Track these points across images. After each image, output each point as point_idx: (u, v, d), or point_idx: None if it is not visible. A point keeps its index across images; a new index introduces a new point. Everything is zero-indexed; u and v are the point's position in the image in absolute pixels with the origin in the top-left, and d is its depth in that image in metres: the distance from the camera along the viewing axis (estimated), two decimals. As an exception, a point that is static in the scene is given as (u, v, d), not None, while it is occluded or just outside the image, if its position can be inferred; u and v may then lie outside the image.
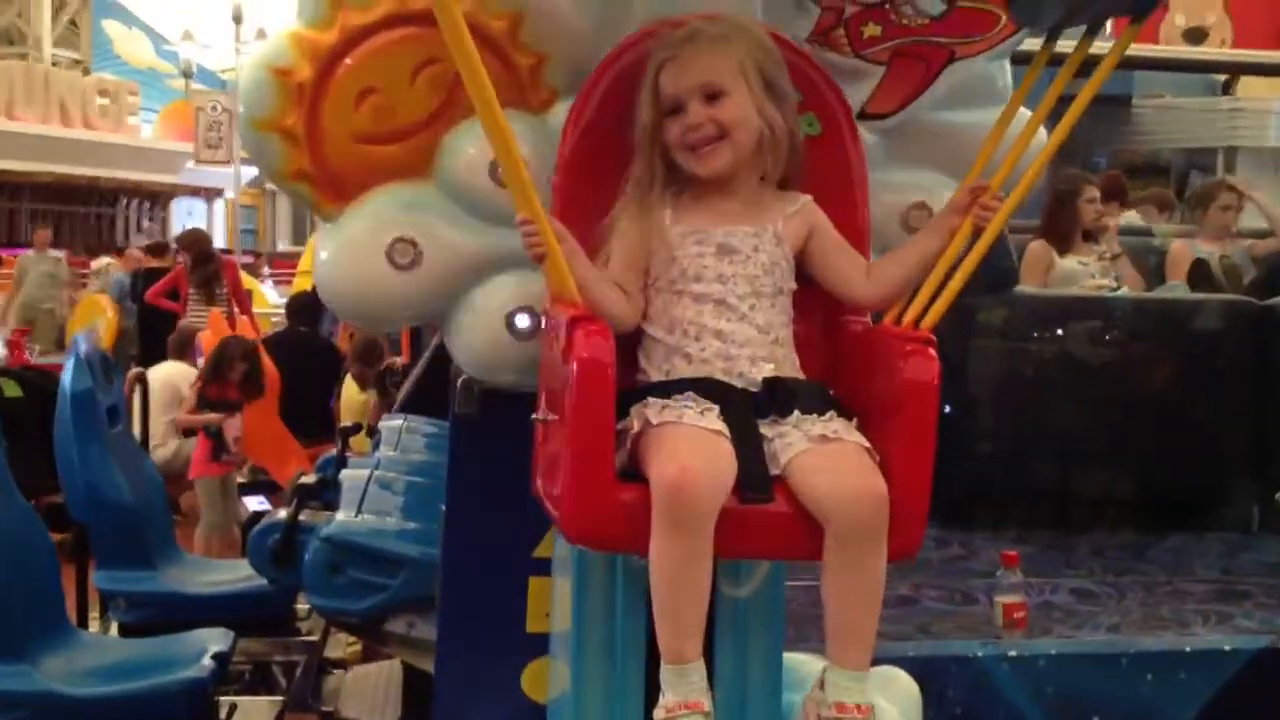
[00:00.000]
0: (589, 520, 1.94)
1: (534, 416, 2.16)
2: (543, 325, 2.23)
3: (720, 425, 1.95)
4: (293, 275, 14.50)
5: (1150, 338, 4.64)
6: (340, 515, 3.78)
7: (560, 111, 2.29)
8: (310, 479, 4.41)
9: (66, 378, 4.61)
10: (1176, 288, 5.79)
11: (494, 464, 2.55)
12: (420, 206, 2.27)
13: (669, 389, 2.01)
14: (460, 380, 2.58)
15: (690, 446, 1.90)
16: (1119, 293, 5.57)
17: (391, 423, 4.40)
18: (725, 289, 2.08)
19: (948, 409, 4.28)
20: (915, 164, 2.50)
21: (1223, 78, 10.93)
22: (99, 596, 5.03)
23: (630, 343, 2.11)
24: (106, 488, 4.59)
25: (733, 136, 2.10)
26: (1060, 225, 5.88)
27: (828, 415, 2.01)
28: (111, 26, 26.25)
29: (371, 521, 3.71)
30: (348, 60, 2.23)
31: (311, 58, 2.21)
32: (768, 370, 2.06)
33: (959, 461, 4.21)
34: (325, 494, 4.35)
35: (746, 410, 2.00)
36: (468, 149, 2.24)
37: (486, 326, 2.30)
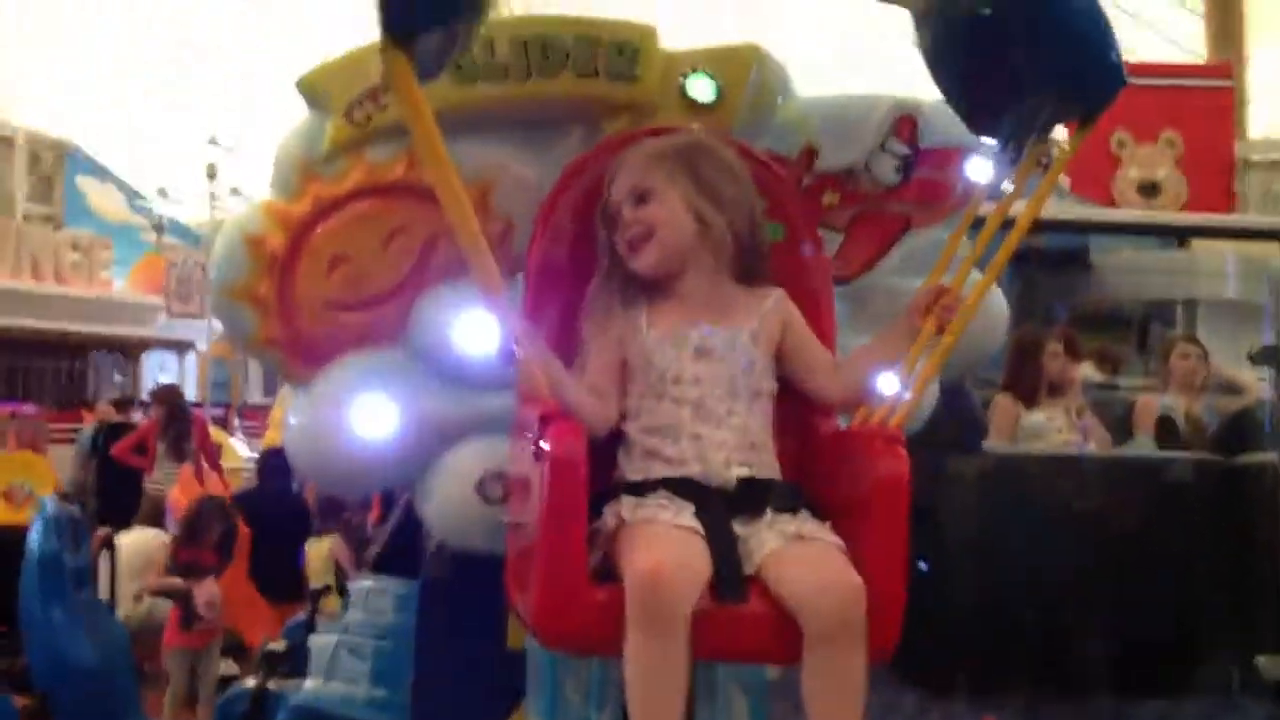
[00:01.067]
0: (562, 621, 1.91)
1: (505, 520, 2.14)
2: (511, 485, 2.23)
3: (695, 524, 1.94)
4: (264, 428, 14.44)
5: (1120, 495, 4.64)
6: (309, 683, 3.71)
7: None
8: (278, 645, 4.35)
9: (34, 539, 4.57)
10: (1142, 443, 5.83)
11: (464, 629, 2.53)
12: (390, 373, 2.29)
13: (644, 488, 2.01)
14: (433, 544, 2.57)
15: (665, 544, 1.90)
16: (1087, 449, 5.60)
17: (361, 584, 4.36)
18: (703, 391, 2.10)
19: (922, 565, 4.27)
20: (877, 328, 2.54)
21: (1178, 230, 11.16)
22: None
23: (607, 444, 2.11)
24: (71, 654, 4.51)
25: (659, 235, 2.14)
26: (1025, 379, 5.93)
27: (801, 514, 2.02)
28: (85, 182, 26.51)
29: (340, 689, 3.65)
30: (319, 230, 2.28)
31: (284, 227, 2.26)
32: (744, 471, 2.07)
33: (935, 622, 4.18)
34: (294, 660, 4.28)
35: (721, 509, 1.99)
36: (437, 316, 2.27)
37: (457, 491, 2.31)
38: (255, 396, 21.14)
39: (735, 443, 2.09)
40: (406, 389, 2.29)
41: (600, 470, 2.02)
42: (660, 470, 2.06)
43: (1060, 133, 2.22)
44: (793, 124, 2.45)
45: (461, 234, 1.92)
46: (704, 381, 2.11)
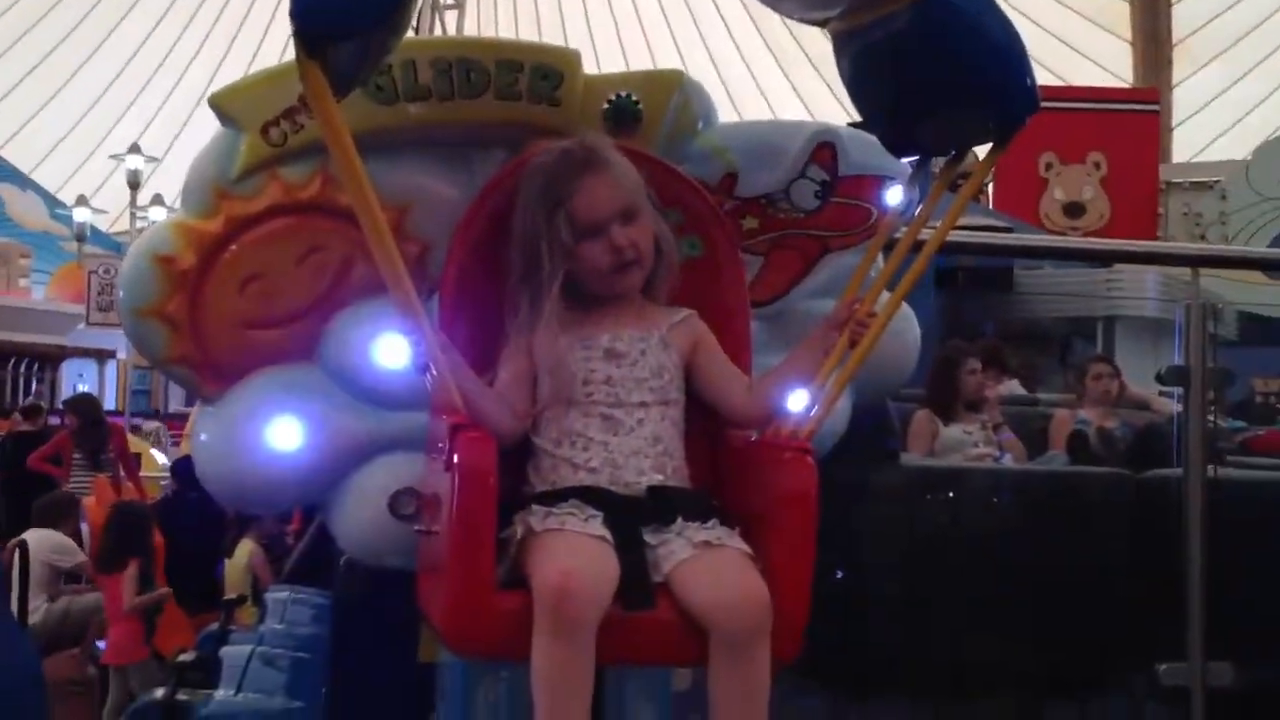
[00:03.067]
0: (470, 627, 1.93)
1: (415, 528, 2.15)
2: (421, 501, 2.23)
3: (603, 531, 1.97)
4: (184, 436, 14.26)
5: (1030, 508, 4.72)
6: (220, 694, 3.67)
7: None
8: (189, 656, 4.28)
9: (-60, 552, 4.49)
10: (1056, 458, 5.93)
11: (376, 644, 2.53)
12: (302, 390, 2.29)
13: (554, 497, 2.03)
14: (343, 560, 2.56)
15: (573, 552, 1.92)
16: (1000, 462, 5.69)
17: (278, 594, 4.31)
18: (613, 393, 2.12)
19: (839, 574, 4.31)
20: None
21: (1099, 249, 11.35)
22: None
23: (518, 458, 2.13)
24: (-23, 667, 4.42)
25: (645, 258, 2.18)
26: (943, 394, 6.03)
27: (710, 522, 2.04)
28: (5, 190, 26.08)
29: (253, 701, 3.61)
30: (233, 247, 2.27)
31: (196, 246, 2.25)
32: (654, 479, 2.09)
33: (850, 629, 4.22)
34: (207, 670, 4.23)
35: (630, 517, 2.02)
36: (350, 334, 2.27)
37: (369, 509, 2.30)
38: (176, 405, 20.87)
39: (646, 451, 2.11)
40: (317, 406, 2.29)
41: (509, 483, 2.03)
42: (569, 478, 2.08)
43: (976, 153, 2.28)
44: (714, 149, 2.48)
45: (374, 242, 1.92)
46: (614, 383, 2.13)
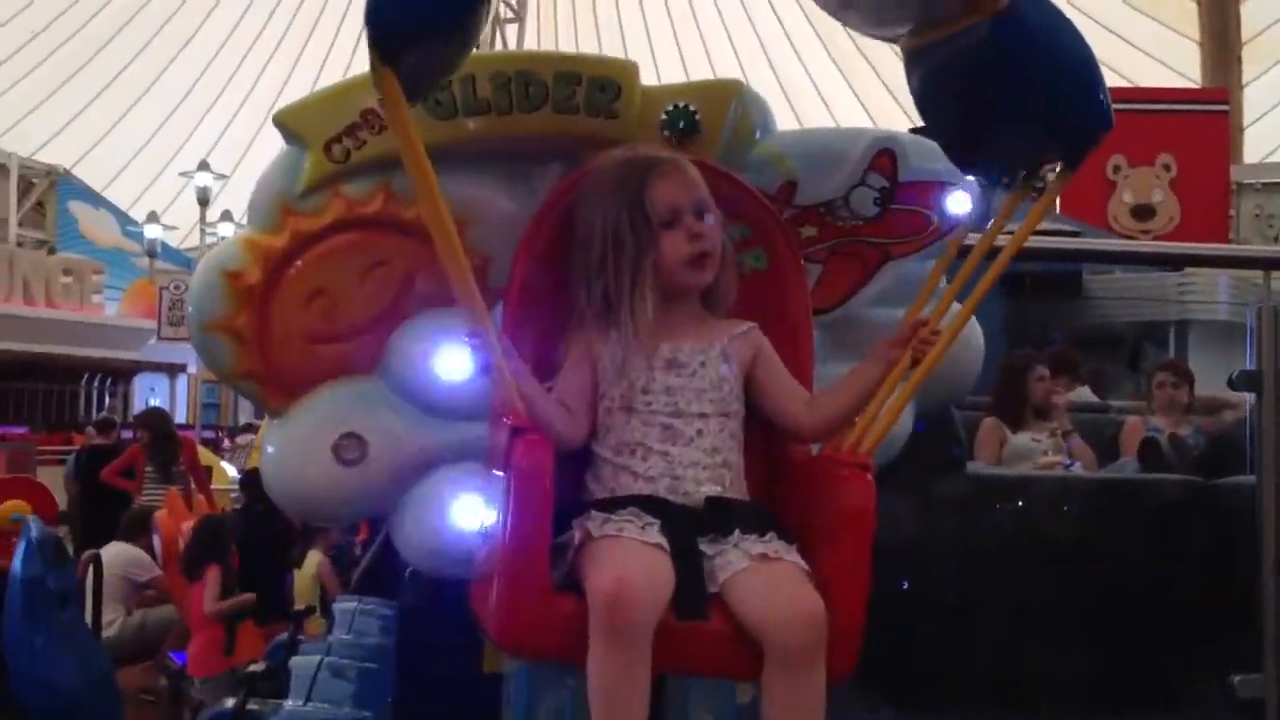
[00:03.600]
0: (521, 628, 1.95)
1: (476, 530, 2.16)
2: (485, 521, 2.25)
3: (660, 540, 1.96)
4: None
5: (1101, 516, 4.67)
6: (289, 704, 3.71)
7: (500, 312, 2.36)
8: (259, 666, 4.34)
9: (17, 562, 4.57)
10: (1127, 465, 5.85)
11: (441, 654, 2.55)
12: (366, 402, 2.32)
13: (613, 505, 2.03)
14: (407, 571, 2.59)
15: (628, 559, 1.92)
16: (1071, 470, 5.62)
17: (345, 605, 4.35)
18: (673, 404, 2.12)
19: (904, 584, 4.28)
20: (854, 358, 2.55)
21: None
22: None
23: (578, 466, 2.14)
24: (55, 676, 4.51)
25: (717, 253, 2.18)
26: (1010, 402, 5.98)
27: (768, 535, 2.04)
28: (78, 208, 26.57)
29: (321, 710, 3.65)
30: (298, 263, 2.30)
31: (262, 261, 2.28)
32: (713, 490, 2.09)
33: (911, 639, 4.19)
34: (277, 680, 4.27)
35: (687, 527, 2.02)
36: (414, 347, 2.29)
37: (432, 520, 2.32)
38: (246, 418, 21.14)
39: (705, 462, 2.11)
40: (383, 418, 2.31)
41: (569, 490, 2.05)
42: (629, 486, 2.08)
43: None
44: (773, 157, 2.47)
45: (441, 244, 1.95)
46: (674, 393, 2.13)
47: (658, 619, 1.89)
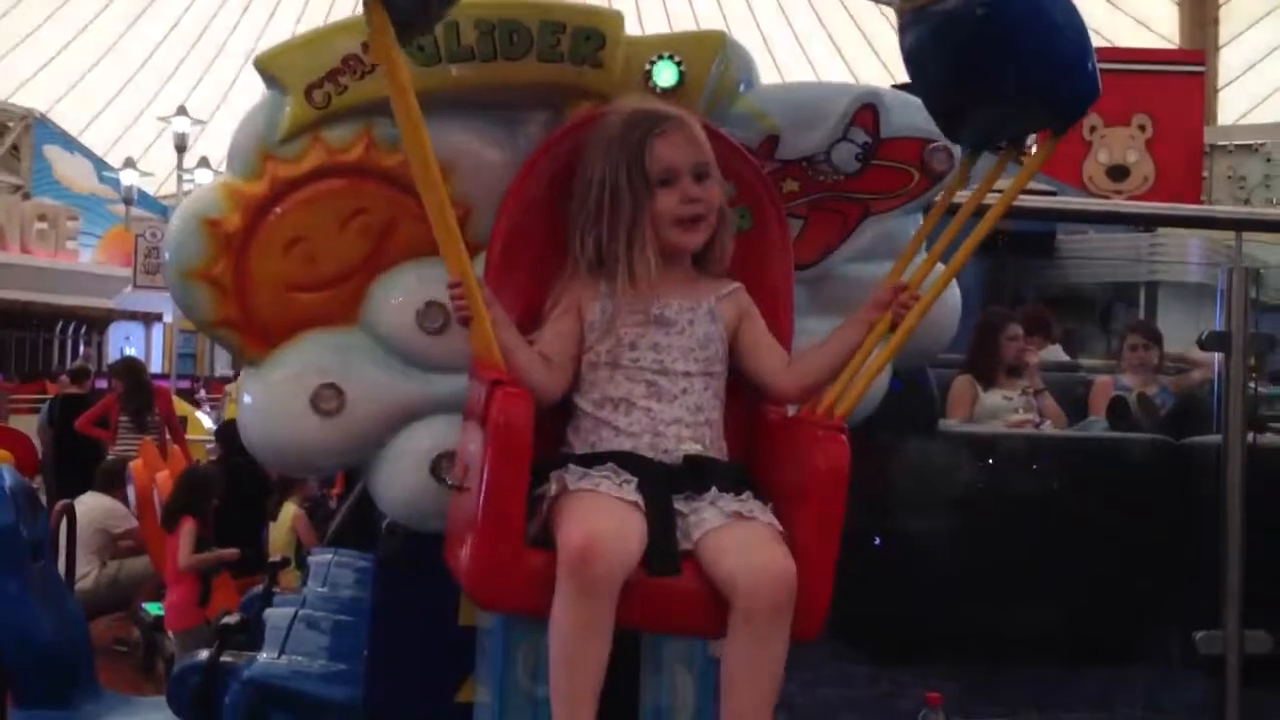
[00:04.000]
0: (496, 582, 1.95)
1: (448, 482, 2.17)
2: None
3: (636, 496, 1.98)
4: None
5: (1070, 474, 4.73)
6: (263, 656, 3.71)
7: (482, 262, 2.35)
8: (233, 618, 4.34)
9: (-11, 511, 4.53)
10: (1096, 423, 5.91)
11: (417, 607, 2.55)
12: (345, 353, 2.30)
13: (591, 460, 2.05)
14: (385, 523, 2.59)
15: (600, 513, 1.93)
16: (1041, 429, 5.68)
17: (321, 557, 4.35)
18: (660, 360, 2.13)
19: (876, 541, 4.32)
20: (833, 314, 2.56)
21: (1144, 212, 11.23)
22: (16, 736, 4.89)
23: (558, 419, 2.15)
24: (27, 626, 4.48)
25: (711, 217, 2.19)
26: (984, 360, 6.02)
27: (744, 495, 2.05)
28: (53, 152, 26.30)
29: (295, 663, 3.65)
30: (277, 210, 2.27)
31: (241, 208, 2.26)
32: (693, 449, 2.11)
33: (889, 595, 4.24)
34: (251, 633, 4.28)
35: (664, 484, 2.03)
36: (394, 296, 2.29)
37: (411, 473, 2.33)
38: (222, 369, 21.07)
39: (687, 419, 2.12)
40: (362, 369, 2.31)
41: (548, 443, 2.05)
42: (609, 441, 2.09)
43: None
44: (755, 112, 2.46)
45: (423, 186, 1.96)
46: (661, 350, 2.14)
47: (625, 575, 1.90)
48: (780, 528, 2.02)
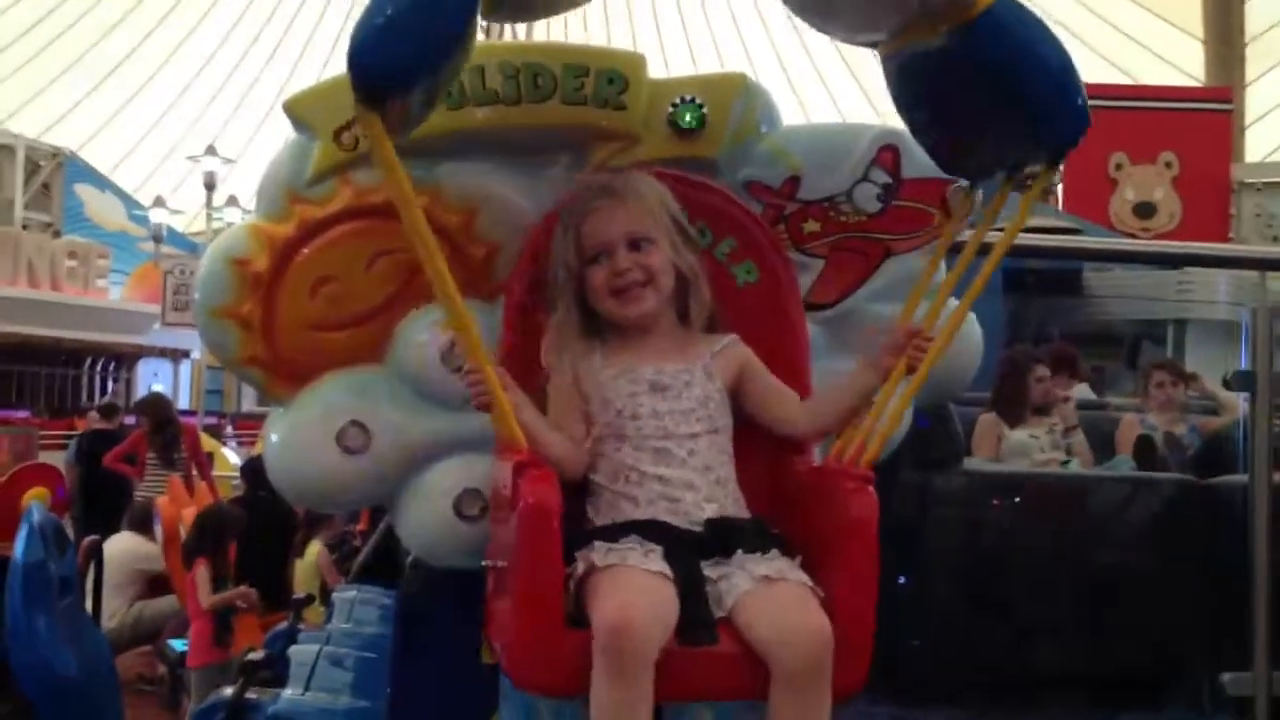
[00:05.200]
0: (537, 666, 1.95)
1: (483, 563, 2.18)
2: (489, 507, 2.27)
3: (663, 567, 1.97)
4: (256, 436, 14.45)
5: (1097, 514, 4.69)
6: (288, 692, 3.72)
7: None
8: (258, 655, 4.36)
9: (18, 547, 4.57)
10: (1122, 462, 5.87)
11: (441, 644, 2.56)
12: (371, 392, 2.33)
13: (614, 533, 2.04)
14: (409, 560, 2.60)
15: (631, 589, 1.92)
16: (1067, 468, 5.64)
17: (345, 594, 4.36)
18: (662, 426, 2.13)
19: (901, 580, 4.30)
20: (855, 354, 2.57)
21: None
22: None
23: (578, 493, 2.14)
24: (54, 662, 4.50)
25: (657, 282, 2.19)
26: (1009, 398, 5.99)
27: (771, 553, 2.04)
28: (84, 190, 26.52)
29: (320, 699, 3.66)
30: (305, 251, 2.31)
31: (269, 249, 2.29)
32: (711, 510, 2.10)
33: (912, 635, 4.21)
34: (275, 669, 4.29)
35: (690, 552, 2.02)
36: (419, 336, 2.31)
37: (435, 510, 2.34)
38: (249, 405, 21.16)
39: (699, 482, 2.13)
40: (387, 408, 2.33)
41: (572, 518, 2.04)
42: (628, 513, 2.10)
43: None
44: (776, 152, 2.48)
45: (439, 288, 1.97)
46: (662, 416, 2.14)
47: (661, 647, 1.89)
48: (811, 584, 2.02)
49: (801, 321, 2.35)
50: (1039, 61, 2.01)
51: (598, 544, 2.02)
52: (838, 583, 2.01)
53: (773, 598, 1.98)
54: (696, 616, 1.96)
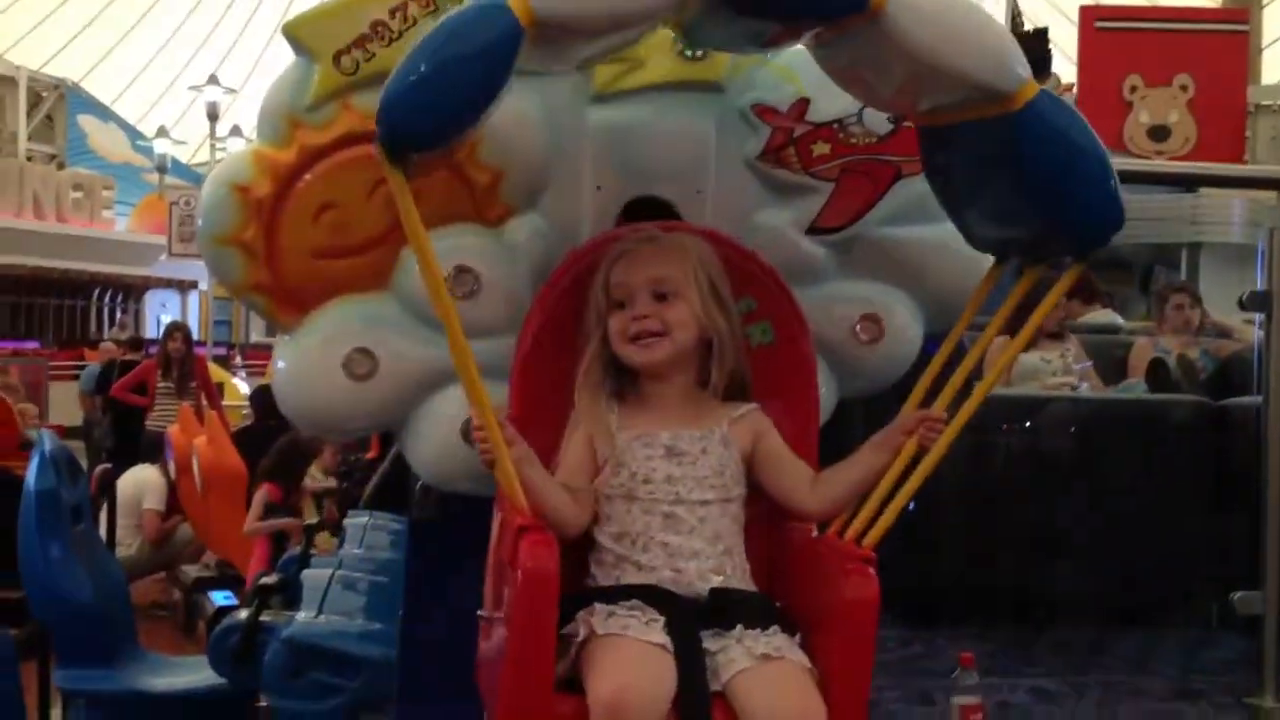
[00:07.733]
0: None
1: (479, 613, 2.19)
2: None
3: (664, 639, 1.95)
4: (265, 366, 14.48)
5: (1109, 436, 4.68)
6: (301, 615, 3.76)
7: (515, 227, 2.36)
8: (272, 578, 4.39)
9: (30, 475, 4.59)
10: (1135, 386, 5.85)
11: (451, 568, 2.57)
12: (376, 318, 2.32)
13: (616, 595, 2.02)
14: (418, 485, 2.60)
15: (630, 667, 1.90)
16: (1079, 391, 5.63)
17: (357, 519, 4.39)
18: (674, 492, 2.11)
19: (910, 505, 4.31)
20: (863, 276, 2.56)
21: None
22: (60, 695, 4.97)
23: (581, 546, 2.14)
24: (68, 587, 4.54)
25: (674, 335, 2.16)
26: (1022, 322, 5.96)
27: (771, 630, 2.03)
28: (87, 121, 26.46)
29: (333, 622, 3.70)
30: (307, 177, 2.29)
31: (271, 175, 2.27)
32: (715, 581, 2.09)
33: (921, 559, 4.22)
34: (288, 593, 4.33)
35: (691, 622, 2.00)
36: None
37: (442, 435, 2.34)
38: (257, 335, 21.21)
39: (706, 551, 2.11)
40: (393, 334, 2.32)
41: (574, 572, 2.04)
42: (631, 576, 2.08)
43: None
44: (784, 75, 2.45)
45: (453, 349, 1.94)
46: (676, 482, 2.12)
47: None
48: (808, 664, 2.01)
49: (812, 389, 2.31)
50: (1077, 157, 1.96)
51: (598, 606, 2.00)
52: (834, 663, 2.01)
53: (770, 678, 1.96)
54: (693, 693, 1.93)
